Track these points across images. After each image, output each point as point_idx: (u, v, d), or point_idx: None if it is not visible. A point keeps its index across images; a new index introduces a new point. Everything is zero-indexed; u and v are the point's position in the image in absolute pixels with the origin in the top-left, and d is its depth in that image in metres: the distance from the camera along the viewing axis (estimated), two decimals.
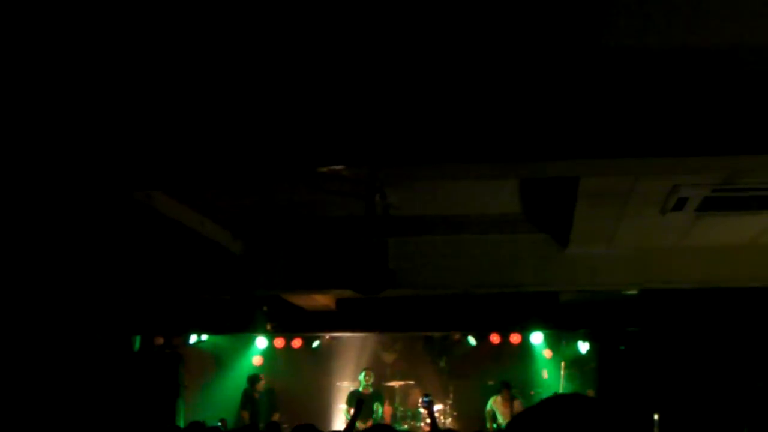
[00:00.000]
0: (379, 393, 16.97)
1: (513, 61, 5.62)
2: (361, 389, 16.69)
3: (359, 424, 15.18)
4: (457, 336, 18.11)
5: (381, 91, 5.87)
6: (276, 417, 16.60)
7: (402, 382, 18.23)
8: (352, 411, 16.07)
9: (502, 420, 16.22)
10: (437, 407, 16.15)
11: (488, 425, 16.50)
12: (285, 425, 15.12)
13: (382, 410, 16.58)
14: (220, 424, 15.87)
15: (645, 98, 5.65)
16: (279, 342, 17.73)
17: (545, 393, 16.55)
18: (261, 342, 17.65)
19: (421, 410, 16.94)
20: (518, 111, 5.80)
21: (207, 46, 5.66)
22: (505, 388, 16.50)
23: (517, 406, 16.03)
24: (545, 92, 5.75)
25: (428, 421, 15.42)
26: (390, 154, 6.02)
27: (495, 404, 16.63)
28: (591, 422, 1.88)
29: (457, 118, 5.87)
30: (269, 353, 18.21)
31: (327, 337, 18.15)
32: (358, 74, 5.81)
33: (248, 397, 17.00)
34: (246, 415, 16.60)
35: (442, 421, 16.65)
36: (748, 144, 5.63)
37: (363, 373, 16.97)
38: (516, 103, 5.80)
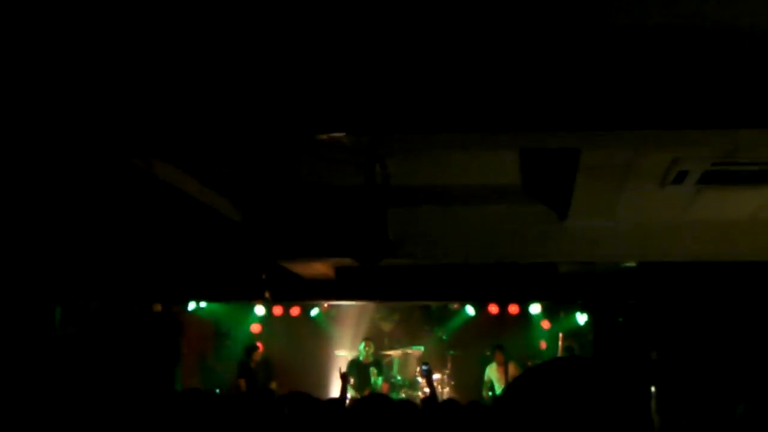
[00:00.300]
0: (378, 362, 17.01)
1: (515, 31, 5.60)
2: (361, 359, 16.73)
3: (356, 394, 15.25)
4: (455, 306, 18.15)
5: (382, 58, 5.85)
6: (273, 386, 16.65)
7: (400, 351, 18.27)
8: (352, 380, 16.13)
9: (498, 387, 16.29)
10: (435, 376, 16.18)
11: (484, 393, 16.55)
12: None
13: (382, 380, 16.62)
14: (218, 391, 15.93)
15: (646, 71, 5.63)
16: (277, 310, 17.76)
17: None
18: (259, 310, 17.68)
19: (419, 379, 16.99)
20: (520, 81, 5.79)
21: (206, 13, 5.63)
22: (498, 349, 16.58)
23: (512, 369, 16.11)
24: (547, 63, 5.73)
25: (426, 389, 15.48)
26: (390, 123, 6.01)
27: (491, 371, 16.70)
28: (590, 384, 1.87)
29: (458, 88, 5.85)
30: (268, 321, 18.25)
31: (325, 305, 18.17)
32: (359, 41, 5.78)
33: (245, 367, 17.04)
34: (243, 383, 16.64)
35: (440, 390, 16.69)
36: (749, 118, 5.62)
37: (363, 344, 17.01)
38: (517, 74, 5.78)
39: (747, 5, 5.11)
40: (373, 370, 16.55)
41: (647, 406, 1.97)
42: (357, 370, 16.42)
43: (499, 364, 16.49)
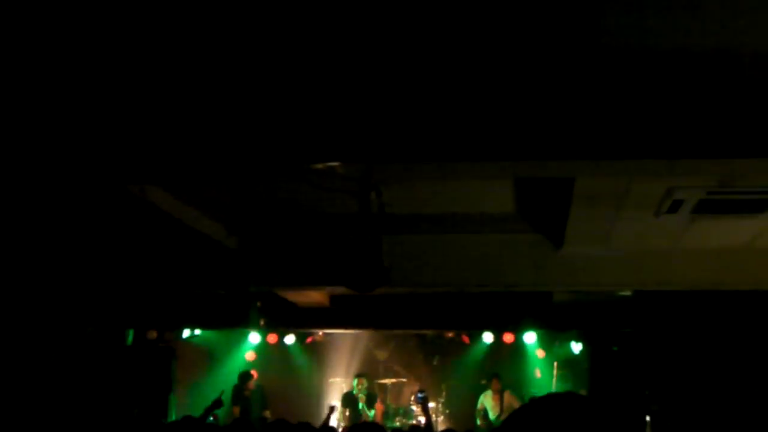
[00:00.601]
0: (370, 395, 16.95)
1: (509, 60, 5.61)
2: (354, 393, 16.68)
3: (349, 424, 15.20)
4: (450, 334, 18.12)
5: (377, 88, 5.87)
6: (267, 414, 16.59)
7: (394, 380, 18.24)
8: (347, 412, 16.13)
9: (492, 415, 16.21)
10: (430, 405, 16.12)
11: (479, 422, 16.49)
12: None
13: (374, 413, 16.54)
14: (212, 419, 15.85)
15: (641, 100, 5.65)
16: (272, 338, 17.74)
17: (538, 393, 16.57)
18: (254, 337, 17.65)
19: (414, 408, 16.96)
20: (514, 110, 5.80)
21: (203, 42, 5.65)
22: (495, 378, 16.52)
23: (507, 397, 16.04)
24: (541, 92, 5.74)
25: (421, 418, 15.42)
26: (385, 152, 6.02)
27: (485, 399, 16.62)
28: (586, 421, 1.87)
29: (452, 117, 5.87)
30: (262, 349, 18.21)
31: (320, 333, 18.14)
32: (354, 70, 5.80)
33: (239, 394, 16.99)
34: (237, 410, 16.57)
35: (434, 419, 16.63)
36: (743, 147, 5.63)
37: (356, 381, 16.95)
38: (512, 103, 5.80)
39: (743, 31, 5.13)
40: (361, 397, 16.49)
41: None
42: (350, 402, 16.42)
43: (494, 392, 16.43)
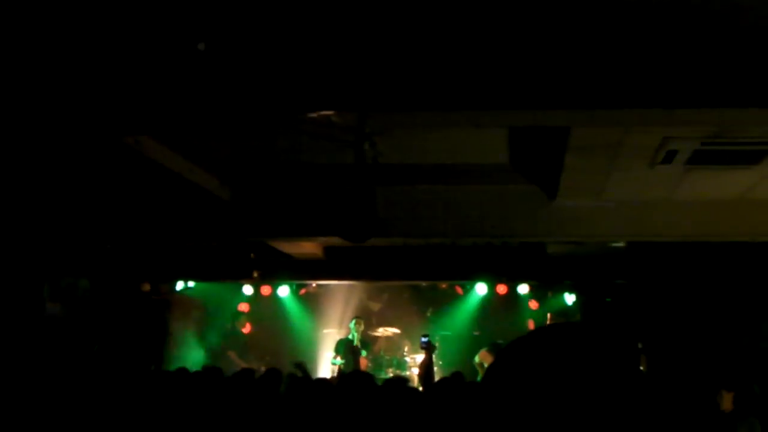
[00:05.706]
0: (366, 342, 16.99)
1: (504, 8, 5.58)
2: (350, 337, 16.67)
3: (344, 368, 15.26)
4: (443, 286, 18.16)
5: (372, 36, 5.84)
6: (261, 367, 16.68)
7: (388, 332, 18.28)
8: (339, 358, 16.11)
9: None
10: (422, 356, 16.17)
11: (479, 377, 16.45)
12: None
13: (366, 353, 16.60)
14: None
15: (636, 50, 5.63)
16: (266, 289, 17.78)
17: None
18: (247, 289, 17.69)
19: (407, 359, 17.04)
20: (509, 59, 5.78)
21: None
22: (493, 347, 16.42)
23: None
24: (536, 41, 5.72)
25: (415, 369, 15.44)
26: (380, 101, 6.01)
27: (483, 357, 16.58)
28: (581, 344, 1.87)
29: (447, 65, 5.84)
30: (256, 300, 18.26)
31: (314, 285, 18.17)
32: (349, 18, 5.76)
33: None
34: (233, 354, 16.67)
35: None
36: (737, 97, 5.63)
37: (353, 322, 16.92)
38: (507, 52, 5.77)
39: None
40: (357, 336, 16.51)
41: (636, 360, 1.98)
42: (347, 349, 16.42)
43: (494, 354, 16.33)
